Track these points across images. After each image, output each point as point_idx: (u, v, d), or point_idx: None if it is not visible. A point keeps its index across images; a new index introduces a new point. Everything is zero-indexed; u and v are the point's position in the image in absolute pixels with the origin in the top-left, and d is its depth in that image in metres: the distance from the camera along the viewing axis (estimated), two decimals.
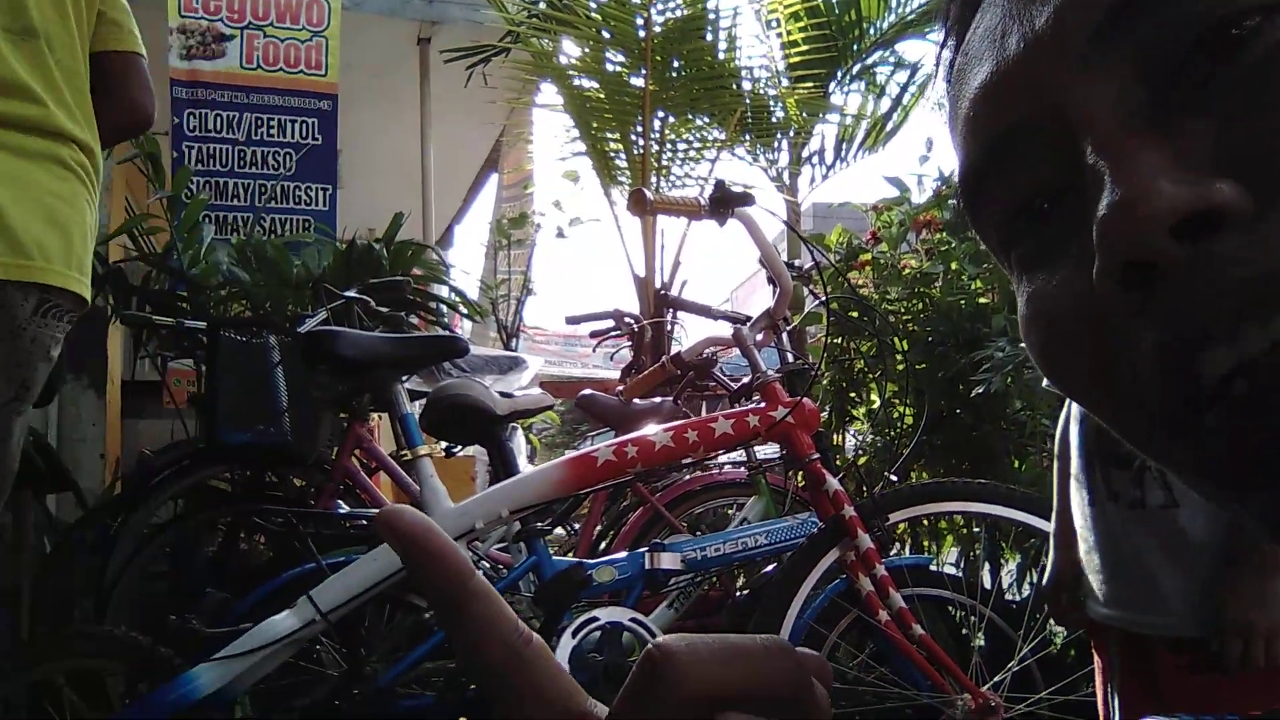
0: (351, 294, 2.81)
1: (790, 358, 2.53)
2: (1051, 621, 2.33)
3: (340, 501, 2.89)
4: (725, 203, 2.07)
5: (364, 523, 2.44)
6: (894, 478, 2.70)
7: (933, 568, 2.60)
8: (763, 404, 2.15)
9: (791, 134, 5.32)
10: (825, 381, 3.45)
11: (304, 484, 3.04)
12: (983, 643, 2.40)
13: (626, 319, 3.30)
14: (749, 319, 2.44)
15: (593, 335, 3.64)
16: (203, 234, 3.77)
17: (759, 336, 2.32)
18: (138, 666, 1.91)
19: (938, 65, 0.45)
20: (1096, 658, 1.50)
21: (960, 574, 2.75)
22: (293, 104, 5.16)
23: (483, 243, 6.96)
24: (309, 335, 2.14)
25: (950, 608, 2.53)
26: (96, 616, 2.84)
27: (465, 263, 8.91)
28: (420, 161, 6.25)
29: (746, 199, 2.09)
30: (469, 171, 7.84)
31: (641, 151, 4.61)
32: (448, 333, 3.66)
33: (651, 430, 2.11)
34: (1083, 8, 0.36)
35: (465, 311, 4.15)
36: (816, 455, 2.09)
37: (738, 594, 3.00)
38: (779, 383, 2.16)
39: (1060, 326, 0.39)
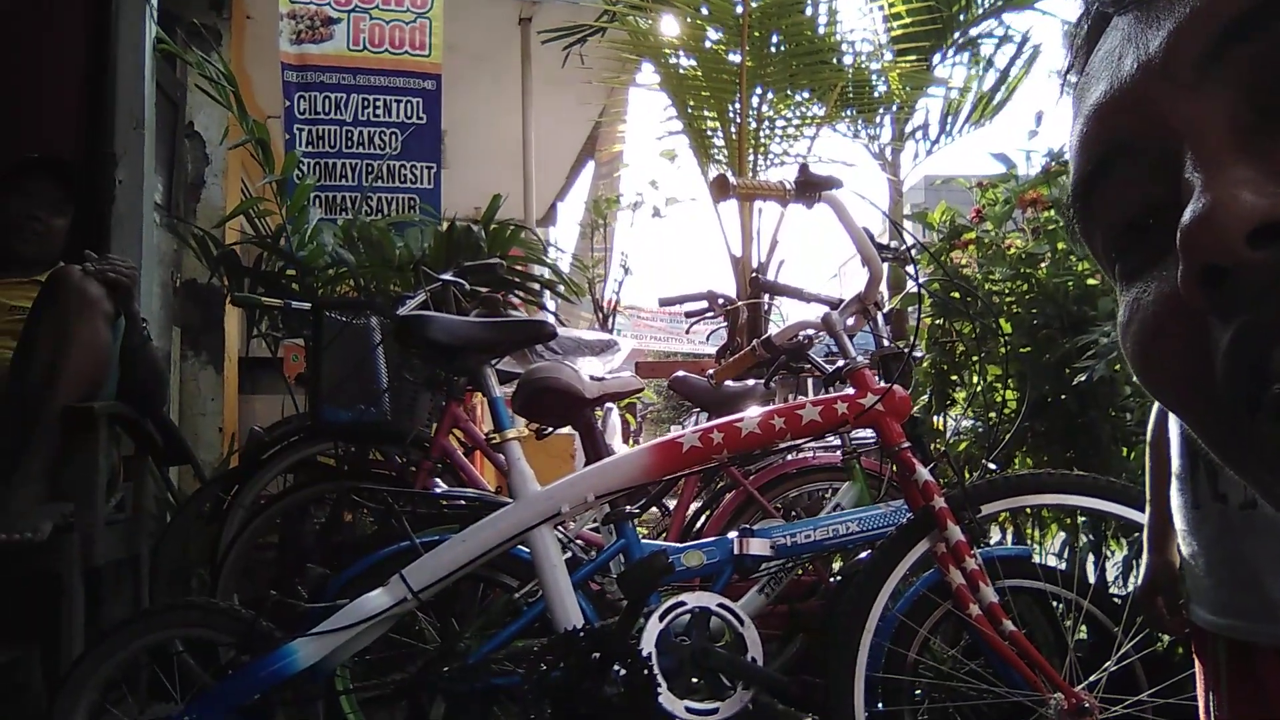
0: (447, 277, 2.85)
1: (885, 341, 2.48)
2: None
3: (438, 480, 2.96)
4: (811, 186, 2.03)
5: (460, 502, 2.48)
6: (992, 465, 2.63)
7: (1036, 559, 2.53)
8: (852, 390, 2.11)
9: (894, 109, 5.18)
10: (925, 364, 3.37)
11: (405, 461, 3.11)
12: (1085, 638, 2.33)
13: (720, 300, 3.28)
14: (841, 302, 2.40)
15: (688, 315, 3.63)
16: (310, 216, 3.88)
17: (850, 321, 2.27)
18: (240, 638, 1.99)
19: (1063, 87, 0.48)
20: (1198, 663, 1.44)
21: (1063, 565, 2.67)
22: (398, 84, 5.25)
23: (580, 223, 6.99)
24: (402, 320, 2.18)
25: (1054, 601, 2.46)
26: (210, 584, 2.98)
27: (568, 240, 8.97)
28: (520, 139, 6.31)
29: (833, 182, 2.04)
30: (571, 150, 7.88)
31: (739, 129, 4.54)
32: (539, 316, 3.70)
33: (738, 417, 2.10)
34: (1193, 33, 0.37)
35: (562, 291, 4.18)
36: (907, 444, 2.04)
37: (831, 579, 2.97)
38: (870, 368, 2.12)
39: (1152, 329, 0.41)
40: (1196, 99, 0.37)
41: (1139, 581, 1.47)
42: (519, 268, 4.07)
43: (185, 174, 5.10)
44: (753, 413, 2.10)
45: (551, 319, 3.80)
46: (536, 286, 3.87)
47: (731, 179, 2.00)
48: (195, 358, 4.92)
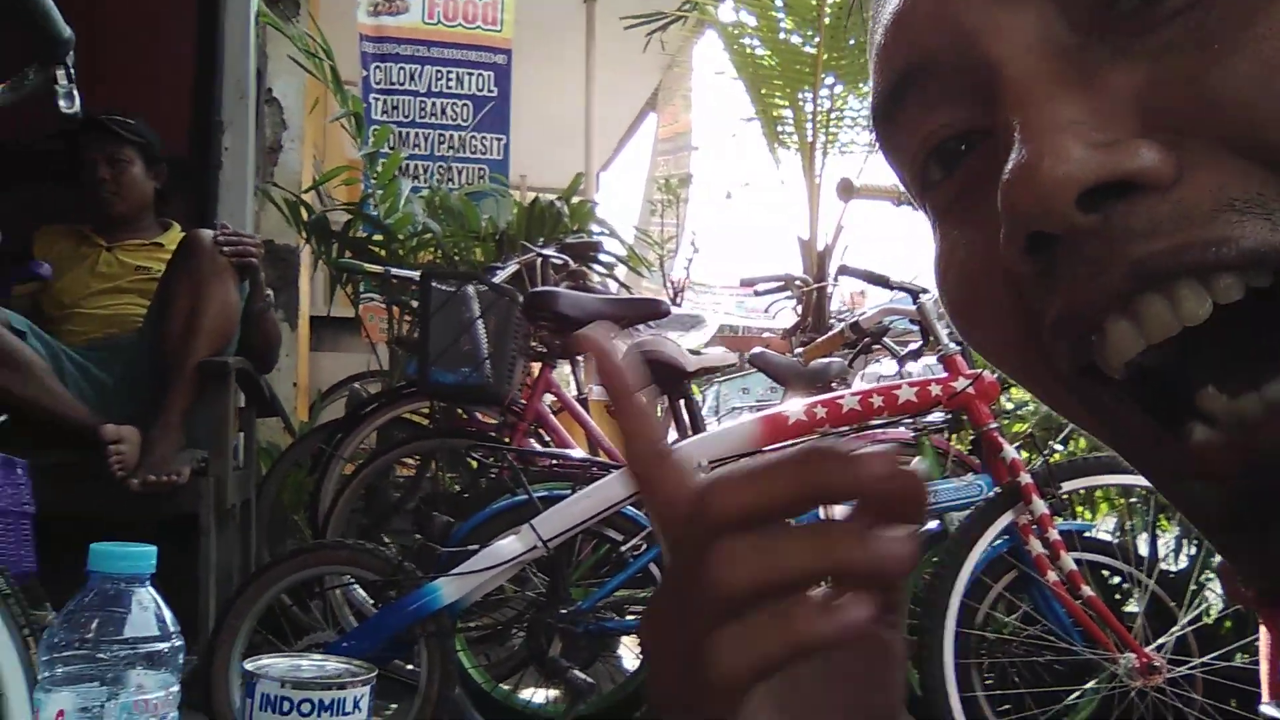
0: (549, 252, 3.05)
1: None
2: (1207, 593, 2.44)
3: (532, 440, 3.18)
4: None
5: (574, 463, 2.68)
6: (1059, 446, 2.83)
7: (1092, 534, 2.73)
8: (945, 374, 2.31)
9: None
10: None
11: (496, 421, 3.32)
12: (1138, 609, 2.54)
13: (796, 281, 3.48)
14: (925, 290, 2.60)
15: (756, 293, 3.82)
16: (400, 186, 4.08)
17: (943, 309, 2.46)
18: (387, 576, 2.21)
19: None
20: (1265, 633, 1.62)
21: (1115, 541, 2.87)
22: (471, 58, 5.43)
23: (646, 198, 7.16)
24: (534, 293, 2.39)
25: (1104, 572, 2.66)
26: (318, 528, 3.19)
27: (612, 211, 9.13)
28: (576, 112, 6.47)
29: None
30: (624, 120, 8.04)
31: (812, 114, 4.67)
32: (631, 293, 3.88)
33: (840, 394, 2.30)
34: None
35: (632, 265, 4.37)
36: (995, 424, 2.25)
37: None
38: (962, 354, 2.32)
39: (972, 287, 0.38)
40: (1006, 12, 0.33)
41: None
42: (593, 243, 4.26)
43: (264, 139, 5.29)
44: (853, 390, 2.30)
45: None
46: (612, 260, 4.06)
47: (855, 182, 2.19)
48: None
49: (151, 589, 0.75)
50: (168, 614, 0.75)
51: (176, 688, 0.74)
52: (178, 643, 0.75)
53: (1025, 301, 0.35)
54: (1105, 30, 0.32)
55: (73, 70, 1.09)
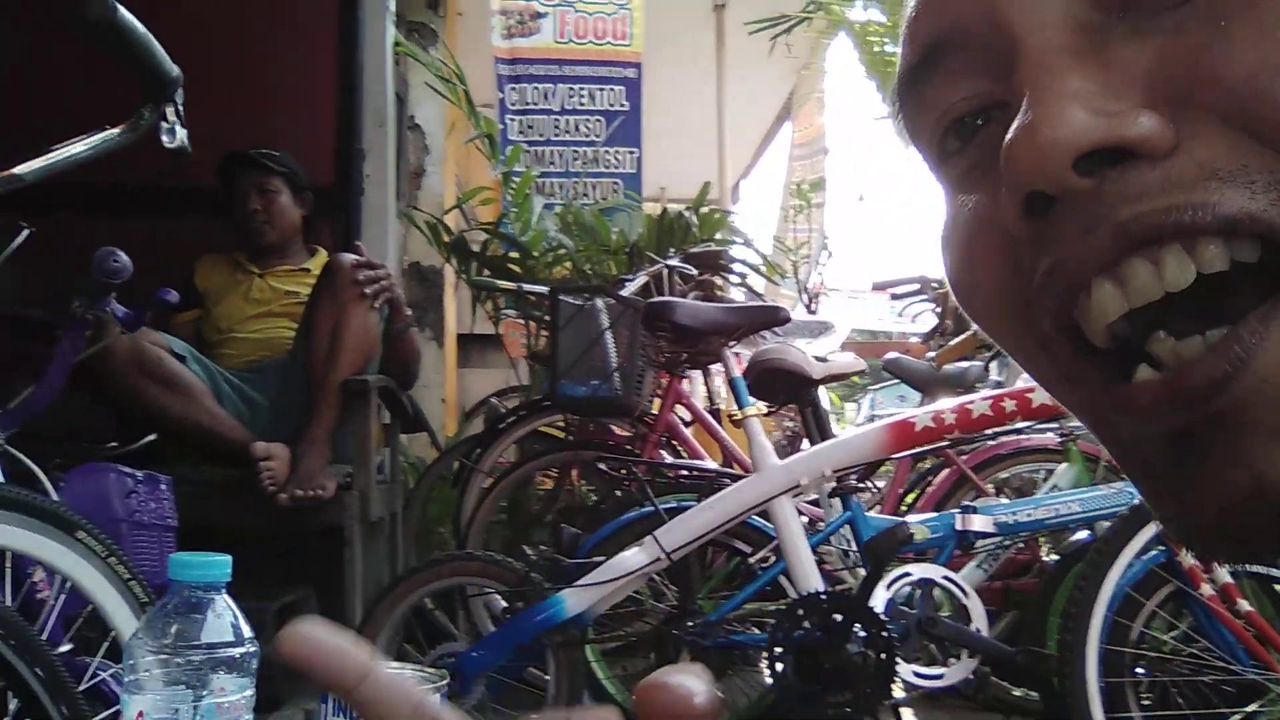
0: (674, 262, 3.05)
1: None
2: None
3: (663, 451, 3.18)
4: None
5: (701, 474, 2.67)
6: None
7: None
8: None
9: None
10: None
11: (629, 433, 3.34)
12: None
13: (933, 284, 3.38)
14: None
15: (893, 298, 3.73)
16: (533, 204, 4.17)
17: None
18: (514, 588, 2.25)
19: None
20: None
21: None
22: (601, 74, 5.50)
23: (780, 205, 7.11)
24: (651, 304, 2.39)
25: (1276, 586, 2.46)
26: (460, 540, 3.28)
27: (752, 218, 9.09)
28: (713, 122, 6.47)
29: None
30: (760, 128, 8.00)
31: None
32: (763, 301, 3.86)
33: (970, 398, 2.21)
34: None
35: (764, 273, 4.34)
36: None
37: (1045, 558, 3.04)
38: None
39: (971, 249, 0.38)
40: None
41: None
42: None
43: (408, 164, 5.50)
44: (983, 395, 2.21)
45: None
46: (745, 270, 4.03)
47: None
48: (419, 334, 5.32)
49: (227, 596, 0.77)
50: (243, 621, 0.77)
51: (251, 691, 0.77)
52: (252, 649, 0.77)
53: (1018, 263, 0.36)
54: (1126, 8, 0.33)
55: (181, 107, 1.16)
